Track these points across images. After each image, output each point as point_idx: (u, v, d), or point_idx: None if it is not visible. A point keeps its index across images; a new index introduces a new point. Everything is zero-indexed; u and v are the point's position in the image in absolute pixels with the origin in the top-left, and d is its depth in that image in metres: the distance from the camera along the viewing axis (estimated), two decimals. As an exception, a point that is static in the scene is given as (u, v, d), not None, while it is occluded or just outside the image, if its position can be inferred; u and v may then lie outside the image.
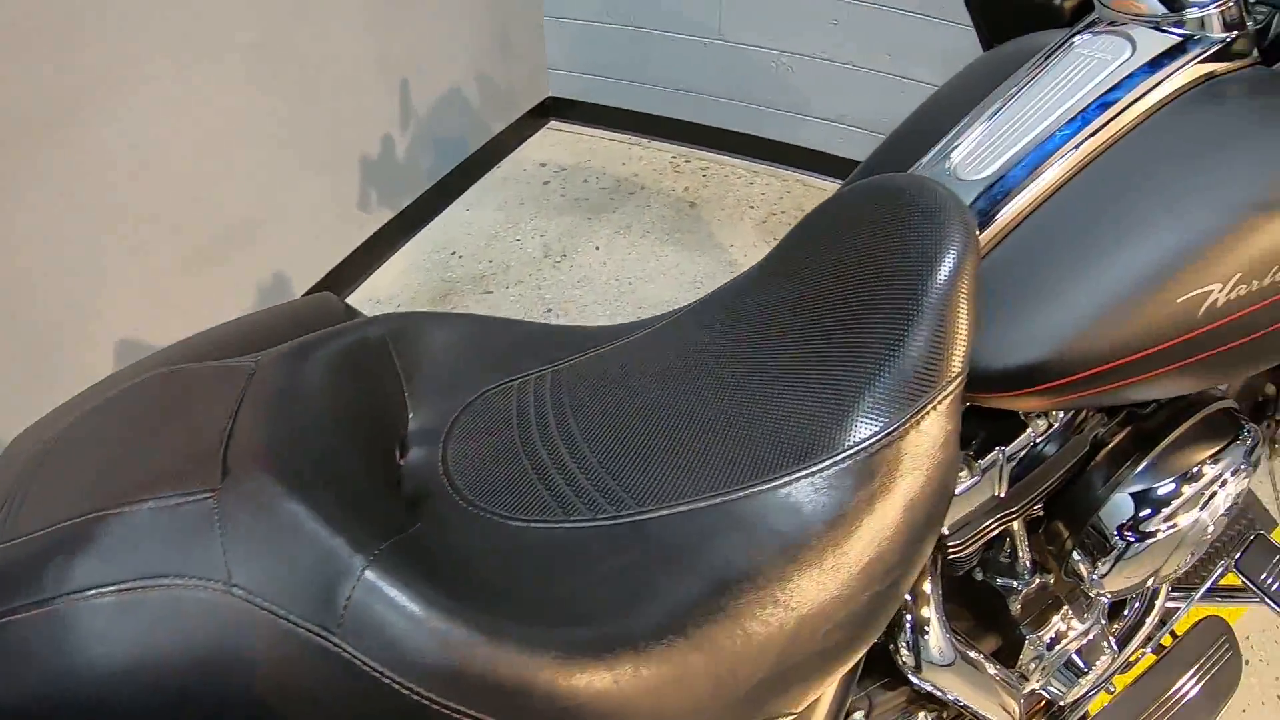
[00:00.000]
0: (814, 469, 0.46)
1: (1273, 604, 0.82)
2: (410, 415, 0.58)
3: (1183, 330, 0.54)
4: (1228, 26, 0.63)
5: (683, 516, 0.47)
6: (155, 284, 1.55)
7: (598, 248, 2.09)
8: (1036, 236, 0.57)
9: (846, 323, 0.51)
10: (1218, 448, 0.67)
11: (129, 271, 1.50)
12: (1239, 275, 0.54)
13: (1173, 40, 0.63)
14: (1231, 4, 0.64)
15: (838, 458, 0.46)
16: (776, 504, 0.46)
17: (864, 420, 0.47)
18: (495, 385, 0.59)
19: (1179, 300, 0.53)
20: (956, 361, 0.48)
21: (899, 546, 0.47)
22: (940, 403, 0.48)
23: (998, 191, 0.59)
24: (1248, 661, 1.27)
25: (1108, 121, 0.60)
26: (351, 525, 0.41)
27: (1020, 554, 0.70)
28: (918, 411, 0.47)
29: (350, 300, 1.94)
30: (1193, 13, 0.63)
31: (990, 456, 0.62)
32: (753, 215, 2.22)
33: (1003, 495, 0.64)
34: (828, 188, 2.36)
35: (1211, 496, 0.66)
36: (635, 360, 0.58)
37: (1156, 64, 0.61)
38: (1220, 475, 0.66)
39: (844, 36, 2.21)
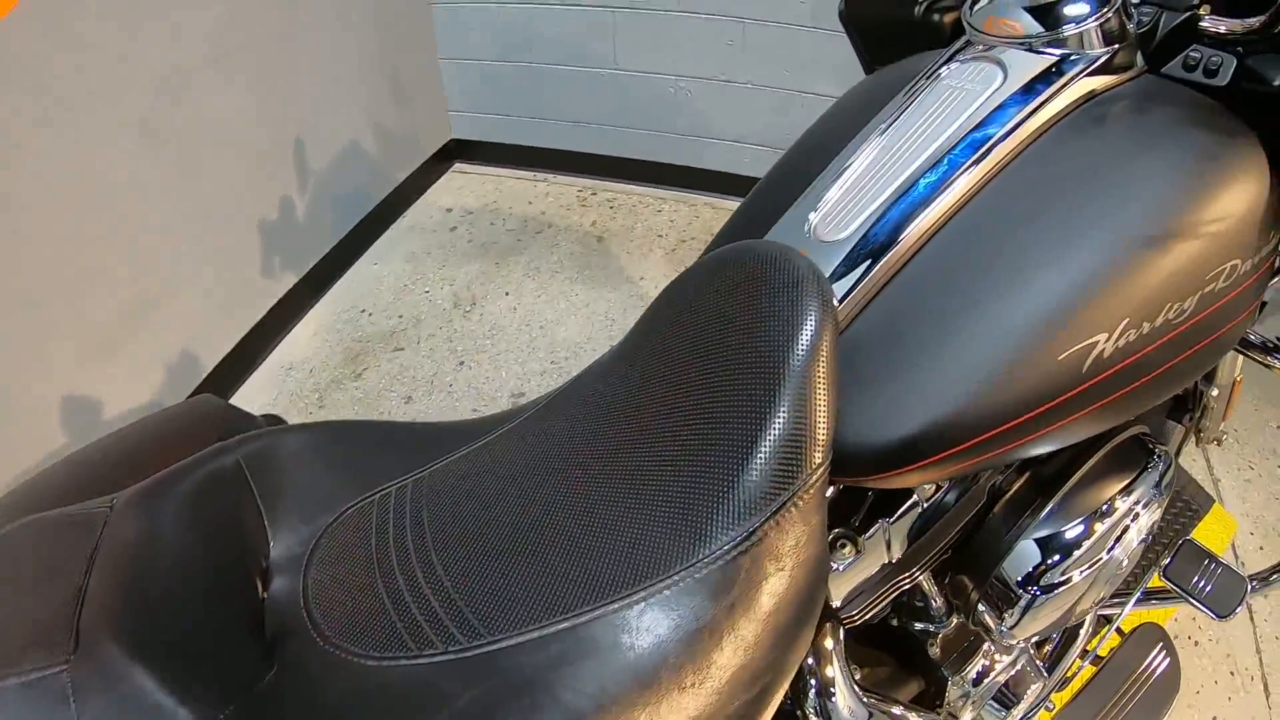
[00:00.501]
0: (666, 583, 0.45)
1: (1207, 609, 0.81)
2: (271, 544, 0.57)
3: (1066, 388, 0.52)
4: (1108, 40, 0.62)
5: (533, 645, 0.46)
6: (53, 376, 1.57)
7: (507, 293, 2.19)
8: (903, 300, 0.55)
9: (701, 413, 0.50)
10: (1127, 480, 0.65)
11: (22, 367, 1.51)
12: (1127, 320, 0.52)
13: (1047, 61, 0.61)
14: (1111, 15, 0.61)
15: (692, 569, 0.45)
16: (629, 624, 0.44)
17: (719, 526, 0.46)
18: (356, 502, 0.58)
19: (1060, 358, 0.51)
20: (817, 453, 0.47)
21: (765, 653, 0.46)
22: (801, 498, 0.46)
23: (859, 253, 0.56)
24: (1197, 643, 1.37)
25: (978, 160, 0.58)
26: (199, 691, 0.42)
27: (933, 601, 0.68)
28: (776, 511, 0.46)
29: (264, 367, 2.02)
30: (1069, 29, 0.61)
31: (874, 529, 0.61)
32: (662, 244, 2.32)
33: (895, 560, 0.63)
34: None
35: (1124, 531, 0.64)
36: (492, 464, 0.57)
37: (1030, 90, 0.59)
38: (1132, 509, 0.64)
39: (741, 56, 2.33)
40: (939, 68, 0.66)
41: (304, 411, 1.90)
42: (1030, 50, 0.62)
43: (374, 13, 2.31)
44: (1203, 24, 0.68)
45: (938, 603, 0.69)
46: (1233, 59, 0.67)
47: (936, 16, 0.80)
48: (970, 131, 0.59)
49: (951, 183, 0.57)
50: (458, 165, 2.69)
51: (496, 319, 2.10)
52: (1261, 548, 1.52)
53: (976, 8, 0.67)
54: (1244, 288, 0.59)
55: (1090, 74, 0.61)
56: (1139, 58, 0.65)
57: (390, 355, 2.03)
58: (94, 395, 1.68)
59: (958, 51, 0.66)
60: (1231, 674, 1.34)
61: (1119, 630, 0.92)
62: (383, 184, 2.44)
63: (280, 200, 2.11)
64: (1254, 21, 0.65)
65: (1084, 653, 0.83)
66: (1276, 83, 0.63)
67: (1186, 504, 1.08)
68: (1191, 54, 0.69)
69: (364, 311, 2.17)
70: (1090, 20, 0.61)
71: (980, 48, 0.65)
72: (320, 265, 2.25)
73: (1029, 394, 0.51)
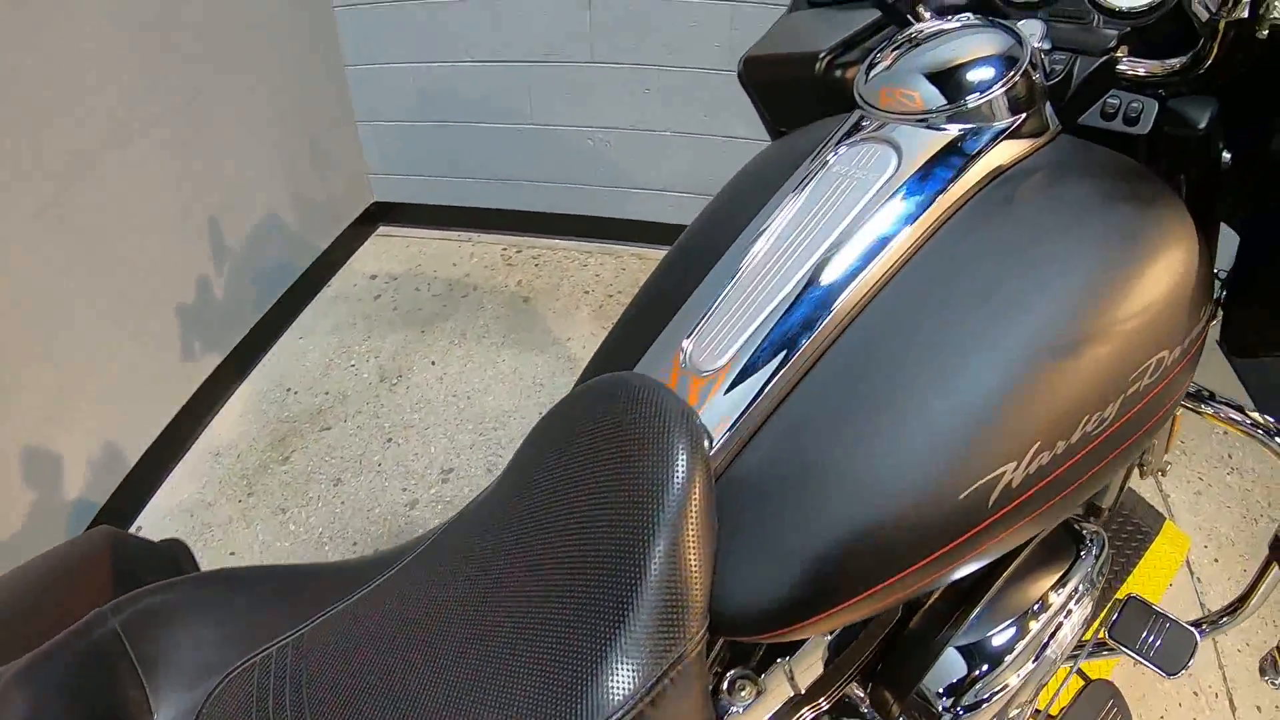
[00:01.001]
0: None
1: (1155, 667, 0.79)
2: (155, 716, 0.56)
3: (970, 526, 0.49)
4: (1016, 107, 0.59)
5: None
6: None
7: (433, 363, 2.28)
8: (786, 438, 0.51)
9: (571, 576, 0.49)
10: (1059, 574, 0.62)
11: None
12: (1038, 444, 0.49)
13: (946, 139, 0.58)
14: (1018, 79, 0.58)
15: None
16: None
17: (588, 709, 0.44)
18: (240, 664, 0.57)
19: (962, 496, 0.47)
20: (692, 622, 0.46)
21: None
22: (676, 671, 0.45)
23: (737, 385, 0.53)
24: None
25: (868, 265, 0.54)
26: None
27: (863, 705, 0.68)
28: (650, 690, 0.45)
29: (191, 454, 2.09)
30: (974, 100, 0.58)
31: (773, 667, 0.59)
32: (589, 301, 2.43)
33: (803, 691, 0.61)
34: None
35: (1058, 629, 0.62)
36: (366, 623, 0.56)
37: (927, 176, 0.57)
38: (1066, 604, 0.62)
39: (657, 103, 2.44)
40: (829, 149, 0.62)
41: (233, 500, 1.98)
42: (928, 127, 0.59)
43: (286, 78, 2.38)
44: (1120, 67, 0.67)
45: (868, 706, 0.67)
46: (1154, 103, 0.65)
47: (839, 73, 0.80)
48: (859, 233, 0.56)
49: (839, 295, 0.53)
50: (382, 228, 2.77)
51: (424, 391, 2.19)
52: (1216, 560, 1.61)
53: (869, 78, 0.64)
54: (1173, 376, 0.55)
55: (997, 147, 0.58)
56: (1051, 117, 0.63)
57: (318, 435, 2.12)
58: (11, 501, 1.73)
59: (852, 128, 0.63)
60: (1195, 694, 1.40)
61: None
62: (305, 254, 2.53)
63: (199, 279, 2.17)
64: (1175, 63, 0.63)
65: (1035, 713, 0.81)
66: (1202, 125, 0.62)
67: (1137, 527, 1.09)
68: (1110, 100, 0.67)
69: (290, 390, 2.26)
70: (996, 88, 0.58)
71: (873, 125, 0.62)
72: (244, 343, 2.33)
73: (929, 538, 0.48)
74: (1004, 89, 0.58)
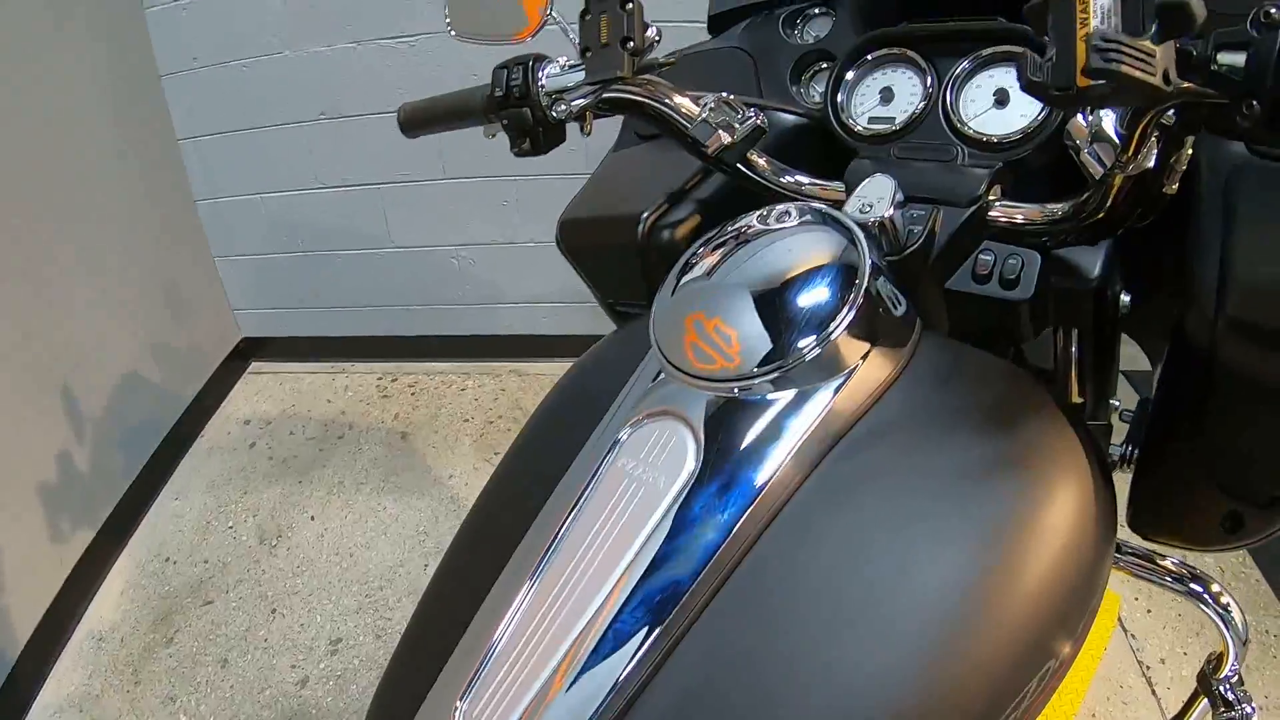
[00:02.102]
0: None
1: None
2: None
3: None
4: (863, 331, 0.54)
5: None
6: None
7: (312, 517, 2.48)
8: None
9: None
10: None
11: None
12: None
13: (766, 417, 0.52)
14: (861, 303, 0.54)
15: None
16: None
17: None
18: None
19: None
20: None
21: None
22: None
23: None
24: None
25: (664, 606, 0.49)
26: None
27: None
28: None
29: (73, 642, 2.26)
30: (810, 347, 0.53)
31: None
32: (469, 430, 2.65)
33: None
34: (544, 370, 2.81)
35: None
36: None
37: (734, 480, 0.51)
38: None
39: (517, 215, 2.66)
40: (620, 431, 0.57)
41: (120, 690, 2.16)
42: (741, 396, 0.53)
43: (134, 222, 2.51)
44: (993, 214, 0.66)
45: None
46: (1035, 258, 0.63)
47: (665, 234, 0.80)
48: (648, 564, 0.50)
49: (629, 642, 0.48)
50: (254, 364, 2.95)
51: (305, 551, 2.40)
52: (1149, 610, 1.82)
53: (665, 322, 0.59)
54: (1063, 672, 0.51)
55: (831, 405, 0.53)
56: (905, 324, 0.59)
57: (200, 610, 2.32)
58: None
59: (648, 392, 0.58)
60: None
61: None
62: (173, 406, 2.71)
63: (59, 453, 2.28)
64: (1059, 209, 0.61)
65: None
66: (1094, 276, 0.60)
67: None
68: (983, 257, 0.65)
69: (169, 560, 2.45)
70: (838, 327, 0.53)
71: (669, 403, 0.56)
72: (116, 513, 2.49)
73: None
74: (847, 326, 0.53)
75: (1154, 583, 0.83)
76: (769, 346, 0.53)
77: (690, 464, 0.53)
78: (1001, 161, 0.71)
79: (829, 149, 0.82)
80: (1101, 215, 0.57)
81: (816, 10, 0.99)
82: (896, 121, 0.80)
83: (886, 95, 0.82)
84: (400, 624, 2.10)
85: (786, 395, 0.53)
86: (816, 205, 0.62)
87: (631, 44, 0.70)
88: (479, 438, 2.55)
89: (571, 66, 0.76)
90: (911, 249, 0.62)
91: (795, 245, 0.58)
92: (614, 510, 0.53)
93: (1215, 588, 0.84)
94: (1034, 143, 0.71)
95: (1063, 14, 0.49)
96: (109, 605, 2.31)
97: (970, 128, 0.76)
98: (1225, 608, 0.84)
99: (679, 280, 0.61)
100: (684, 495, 0.52)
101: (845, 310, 0.54)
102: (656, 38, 0.73)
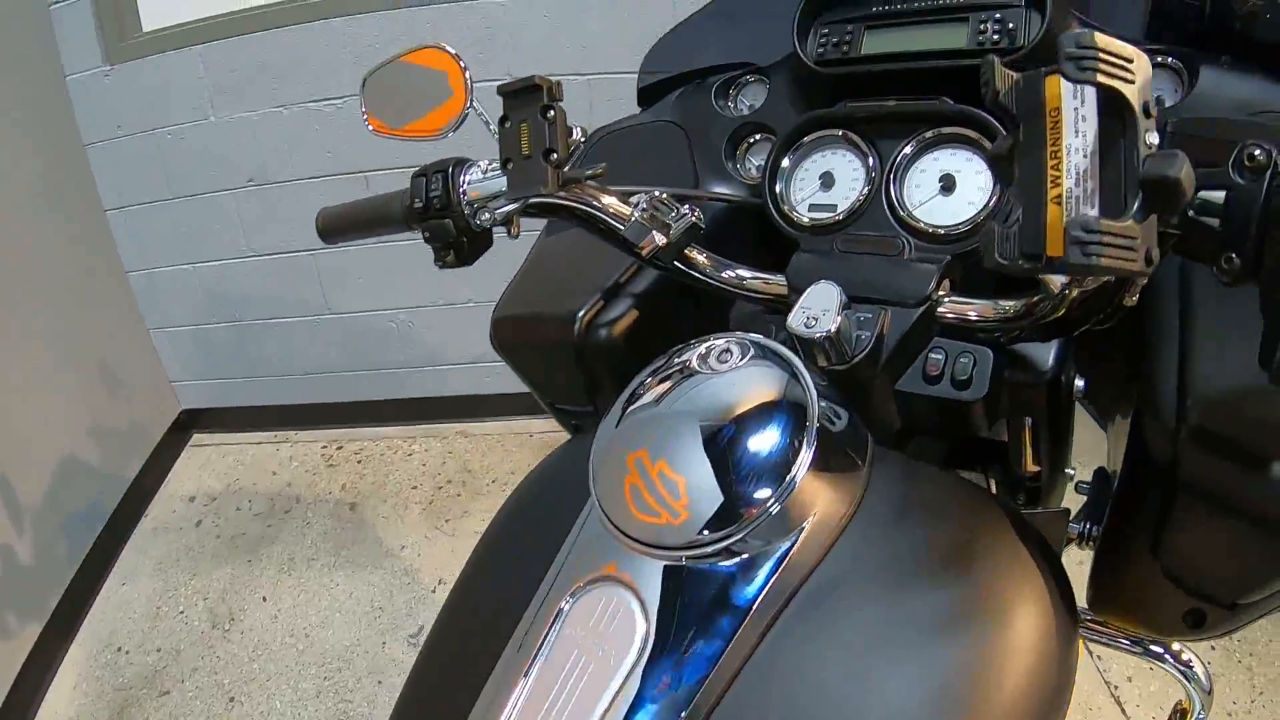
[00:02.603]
0: None
1: None
2: None
3: None
4: (817, 483, 0.55)
5: None
6: None
7: (265, 598, 2.58)
8: None
9: None
10: None
11: None
12: None
13: (712, 587, 0.53)
14: (814, 455, 0.54)
15: None
16: None
17: None
18: None
19: None
20: None
21: None
22: None
23: None
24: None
25: None
26: None
27: None
28: None
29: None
30: (764, 507, 0.53)
31: None
32: (418, 498, 2.76)
33: None
34: (491, 430, 2.94)
35: None
36: None
37: (687, 655, 0.51)
38: None
39: (455, 276, 2.75)
40: (563, 590, 0.57)
41: (79, 790, 2.28)
42: (688, 564, 0.54)
43: (64, 300, 2.55)
44: (942, 310, 0.68)
45: None
46: (988, 355, 0.66)
47: (603, 333, 0.81)
48: None
49: None
50: (195, 437, 3.03)
51: (259, 634, 2.50)
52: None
53: (606, 460, 0.60)
54: None
55: (787, 560, 0.53)
56: (858, 449, 0.60)
57: (157, 703, 2.41)
58: None
59: (582, 585, 0.57)
60: None
61: None
62: (115, 487, 2.79)
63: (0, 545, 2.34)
64: (1012, 306, 0.63)
65: None
66: (1046, 369, 0.62)
67: None
68: (933, 355, 0.67)
69: (121, 649, 2.54)
70: (789, 485, 0.54)
71: (613, 564, 0.56)
72: (64, 603, 2.56)
73: None
74: (792, 485, 0.54)
75: (1114, 648, 0.84)
76: (718, 502, 0.53)
77: (640, 636, 0.53)
78: (950, 255, 0.71)
79: (770, 225, 0.82)
80: (1056, 318, 0.58)
81: (749, 78, 0.99)
82: (839, 210, 0.80)
83: (827, 180, 0.82)
84: (361, 707, 2.22)
85: (726, 565, 0.53)
86: (759, 342, 0.62)
87: (555, 156, 0.70)
88: (429, 505, 2.66)
89: (495, 170, 0.76)
90: (859, 356, 0.64)
91: (741, 390, 0.58)
92: (564, 689, 0.53)
93: (1175, 646, 0.85)
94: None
95: (1031, 172, 0.49)
96: (62, 701, 2.39)
97: (916, 217, 0.76)
98: (1187, 664, 0.86)
99: (623, 412, 0.61)
100: (636, 669, 0.52)
101: (796, 467, 0.54)
102: (581, 139, 0.74)
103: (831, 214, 0.81)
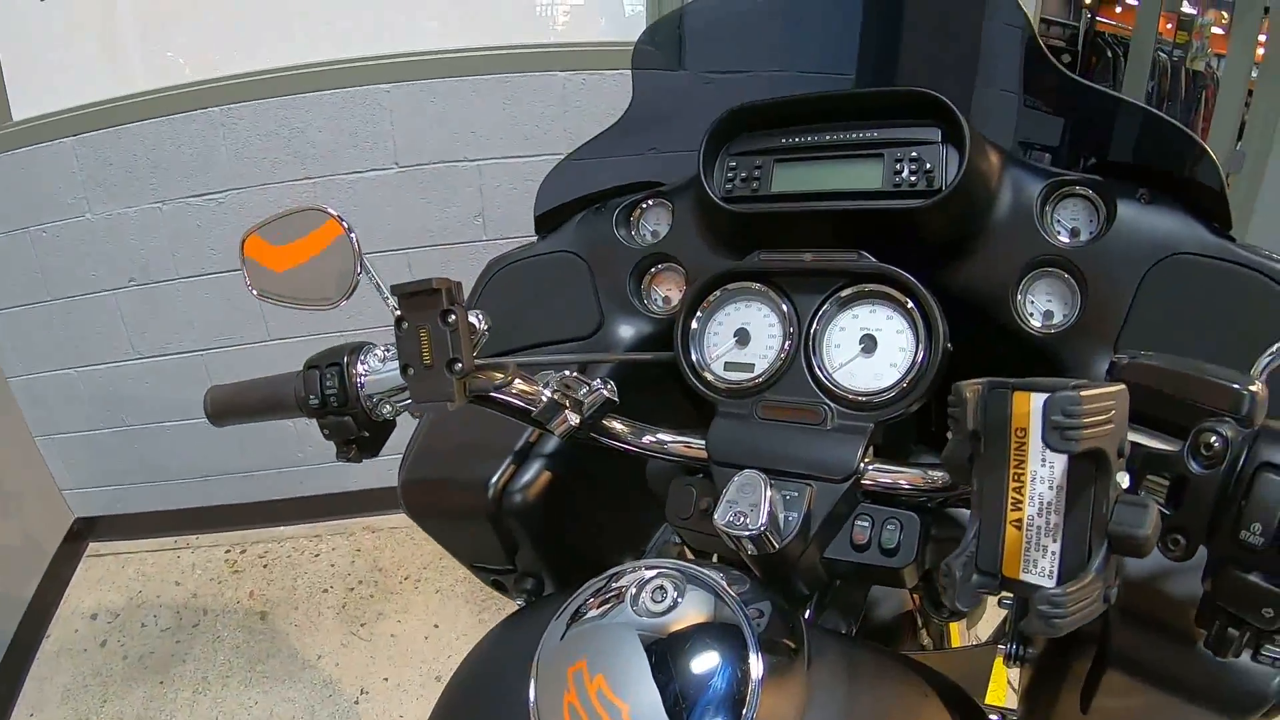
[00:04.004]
0: None
1: None
2: None
3: None
4: (764, 704, 0.60)
5: None
6: None
7: (181, 724, 2.90)
8: None
9: None
10: None
11: None
12: None
13: None
14: (759, 682, 0.62)
15: None
16: None
17: None
18: None
19: None
20: None
21: None
22: None
23: None
24: None
25: None
26: None
27: None
28: None
29: None
30: None
31: None
32: (330, 602, 3.05)
33: None
34: (399, 524, 3.21)
35: None
36: None
37: None
38: None
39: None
40: None
41: None
42: None
43: None
44: (868, 480, 0.75)
45: None
46: (914, 520, 0.73)
47: (518, 498, 0.92)
48: None
49: None
50: (92, 546, 3.25)
51: (178, 763, 2.82)
52: None
53: (547, 674, 0.65)
54: None
55: None
56: (802, 650, 0.67)
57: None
58: None
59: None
60: None
61: None
62: (10, 612, 3.05)
63: None
64: (939, 477, 0.70)
65: None
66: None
67: None
68: (860, 523, 0.75)
69: (33, 789, 2.85)
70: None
71: None
72: (-30, 742, 2.88)
73: None
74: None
75: None
76: None
77: None
78: (873, 424, 0.76)
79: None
80: None
81: (649, 202, 1.05)
82: (756, 371, 0.86)
83: (742, 336, 0.88)
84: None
85: None
86: (692, 572, 0.67)
87: (459, 366, 0.71)
88: (341, 609, 2.96)
89: (395, 358, 0.79)
90: (789, 540, 0.71)
91: (679, 625, 0.63)
92: None
93: None
94: (908, 404, 0.77)
95: (992, 489, 0.54)
96: None
97: (837, 381, 0.82)
98: None
99: (567, 627, 0.66)
100: None
101: (750, 695, 0.60)
102: (485, 331, 0.78)
103: (749, 375, 0.87)
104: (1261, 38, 4.03)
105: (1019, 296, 0.87)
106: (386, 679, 2.65)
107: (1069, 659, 0.75)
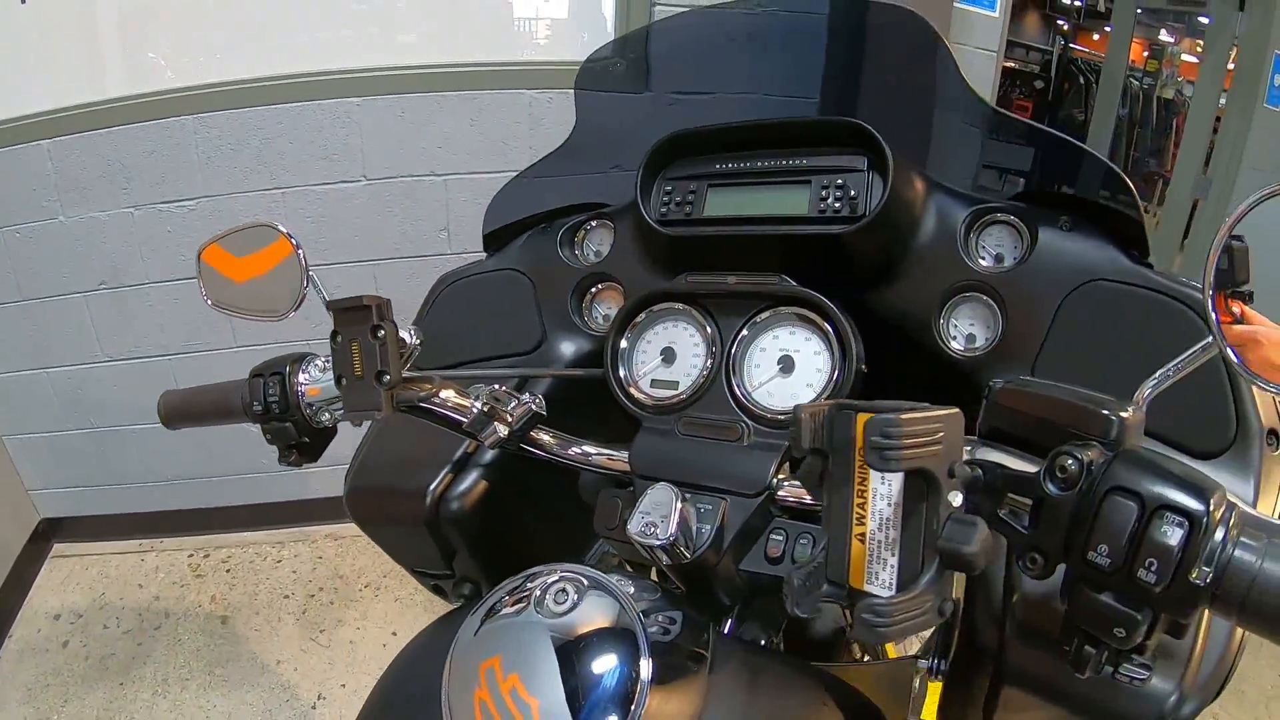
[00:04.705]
0: None
1: None
2: None
3: None
4: (655, 702, 0.62)
5: None
6: None
7: (139, 726, 2.92)
8: None
9: None
10: None
11: None
12: None
13: None
14: (646, 685, 0.64)
15: None
16: None
17: None
18: None
19: None
20: None
21: None
22: None
23: None
24: None
25: None
26: None
27: None
28: None
29: None
30: None
31: None
32: (290, 608, 3.08)
33: None
34: (360, 533, 3.29)
35: None
36: None
37: None
38: None
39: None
40: None
41: None
42: None
43: None
44: (782, 494, 0.77)
45: None
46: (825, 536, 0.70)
47: (455, 505, 0.95)
48: None
49: None
50: (57, 547, 3.28)
51: (135, 765, 2.84)
52: None
53: (460, 670, 0.68)
54: None
55: None
56: (705, 657, 0.69)
57: (33, 843, 2.75)
58: None
59: None
60: None
61: None
62: (-25, 609, 3.10)
63: None
64: None
65: None
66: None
67: None
68: (774, 537, 0.77)
69: (-6, 787, 2.86)
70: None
71: None
72: (-70, 739, 2.90)
73: None
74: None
75: None
76: None
77: None
78: (787, 442, 0.74)
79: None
80: None
81: (593, 224, 1.10)
82: (680, 388, 0.90)
83: (668, 355, 0.92)
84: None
85: None
86: (596, 578, 0.69)
87: (387, 378, 0.76)
88: (302, 615, 2.98)
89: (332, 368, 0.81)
90: (702, 550, 0.74)
91: (578, 627, 0.66)
92: None
93: None
94: None
95: (839, 503, 0.56)
96: None
97: (755, 400, 0.86)
98: None
99: (481, 623, 0.69)
100: None
101: (638, 694, 0.63)
102: (417, 345, 0.81)
103: (674, 392, 0.90)
104: (1230, 66, 4.08)
105: (941, 320, 0.90)
106: (344, 685, 2.68)
107: (972, 674, 0.77)
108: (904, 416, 0.53)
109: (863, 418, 0.55)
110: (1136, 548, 0.52)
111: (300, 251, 0.92)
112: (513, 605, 0.70)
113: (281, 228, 0.94)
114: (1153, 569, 0.51)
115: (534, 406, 0.88)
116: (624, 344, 0.95)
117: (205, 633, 2.95)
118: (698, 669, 0.69)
